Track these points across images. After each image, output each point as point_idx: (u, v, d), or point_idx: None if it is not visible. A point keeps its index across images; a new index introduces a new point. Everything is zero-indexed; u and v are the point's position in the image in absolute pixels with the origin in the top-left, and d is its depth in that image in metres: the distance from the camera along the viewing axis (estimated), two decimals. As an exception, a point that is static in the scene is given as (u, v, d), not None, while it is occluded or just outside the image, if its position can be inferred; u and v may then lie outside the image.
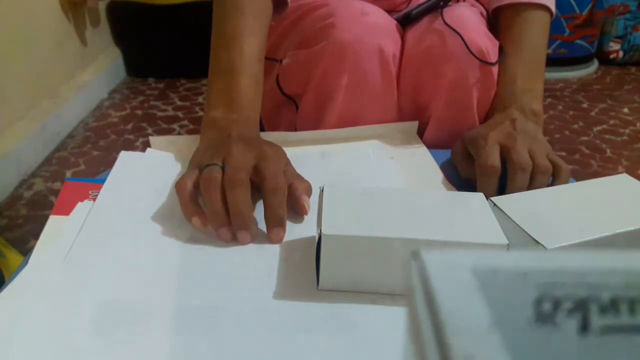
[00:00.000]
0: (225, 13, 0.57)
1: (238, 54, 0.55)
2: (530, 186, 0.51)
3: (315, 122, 0.66)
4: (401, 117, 0.68)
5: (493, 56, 0.63)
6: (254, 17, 0.57)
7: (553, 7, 0.69)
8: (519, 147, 0.52)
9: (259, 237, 0.45)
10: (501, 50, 0.65)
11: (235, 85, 0.54)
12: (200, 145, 0.53)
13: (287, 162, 0.50)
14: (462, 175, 0.57)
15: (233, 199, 0.44)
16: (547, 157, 0.53)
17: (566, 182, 0.52)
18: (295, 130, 0.67)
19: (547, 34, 0.69)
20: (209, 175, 0.45)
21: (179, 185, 0.46)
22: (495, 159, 0.51)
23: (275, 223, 0.44)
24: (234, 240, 0.44)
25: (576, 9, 2.46)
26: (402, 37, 0.67)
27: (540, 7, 0.68)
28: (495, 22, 0.72)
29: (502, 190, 0.51)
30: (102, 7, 2.27)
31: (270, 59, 0.73)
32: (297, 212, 0.48)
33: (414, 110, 0.68)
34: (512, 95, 0.62)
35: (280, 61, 0.69)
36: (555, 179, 0.53)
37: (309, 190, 0.49)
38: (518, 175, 0.50)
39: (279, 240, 0.45)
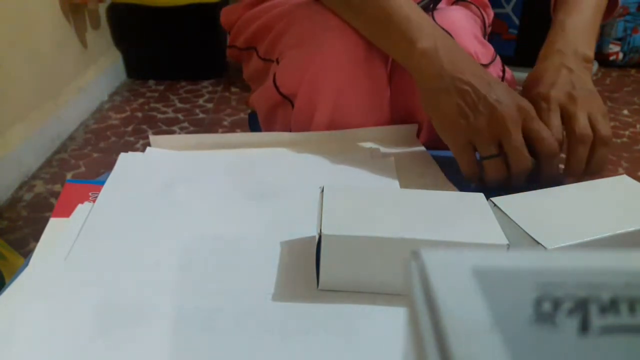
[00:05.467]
0: None
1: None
2: (589, 157, 0.51)
3: (307, 121, 0.66)
4: (393, 119, 0.68)
5: (484, 58, 0.64)
6: None
7: None
8: (580, 114, 0.52)
9: (258, 238, 0.45)
10: (551, 14, 0.64)
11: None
12: (443, 106, 0.53)
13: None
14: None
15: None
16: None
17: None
18: (290, 130, 0.67)
19: None
20: (495, 170, 0.51)
21: (470, 173, 0.54)
22: (560, 133, 0.52)
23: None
24: None
25: (576, 10, 2.45)
26: None
27: None
28: None
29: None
30: (102, 9, 2.27)
31: (267, 60, 0.73)
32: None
33: (405, 111, 0.68)
34: (565, 40, 0.61)
35: (277, 61, 0.69)
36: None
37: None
38: (580, 148, 0.51)
39: None
